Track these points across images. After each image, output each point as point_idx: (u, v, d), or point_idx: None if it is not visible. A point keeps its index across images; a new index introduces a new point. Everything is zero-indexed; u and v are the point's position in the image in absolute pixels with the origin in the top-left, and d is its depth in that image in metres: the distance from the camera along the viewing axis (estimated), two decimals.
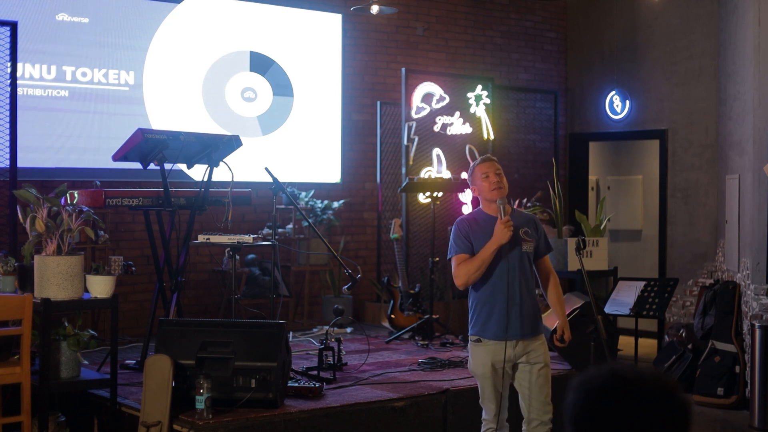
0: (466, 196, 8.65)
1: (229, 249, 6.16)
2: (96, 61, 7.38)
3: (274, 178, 6.06)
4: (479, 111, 8.84)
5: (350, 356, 6.36)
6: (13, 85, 6.29)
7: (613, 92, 9.93)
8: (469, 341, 4.47)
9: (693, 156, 9.28)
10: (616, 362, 1.74)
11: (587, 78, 10.29)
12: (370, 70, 8.97)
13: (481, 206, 4.51)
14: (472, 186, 4.50)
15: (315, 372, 5.67)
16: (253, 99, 8.24)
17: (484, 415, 4.44)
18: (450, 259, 4.46)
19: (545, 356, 4.42)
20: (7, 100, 6.29)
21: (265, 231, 7.51)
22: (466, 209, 8.62)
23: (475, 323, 4.42)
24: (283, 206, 7.71)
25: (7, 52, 6.30)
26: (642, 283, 7.46)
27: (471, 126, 8.77)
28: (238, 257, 6.19)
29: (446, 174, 8.49)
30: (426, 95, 8.47)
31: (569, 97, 10.46)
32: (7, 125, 6.28)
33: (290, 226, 7.93)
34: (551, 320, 6.35)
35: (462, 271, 4.33)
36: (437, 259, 7.37)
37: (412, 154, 8.22)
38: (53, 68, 7.18)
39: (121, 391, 5.10)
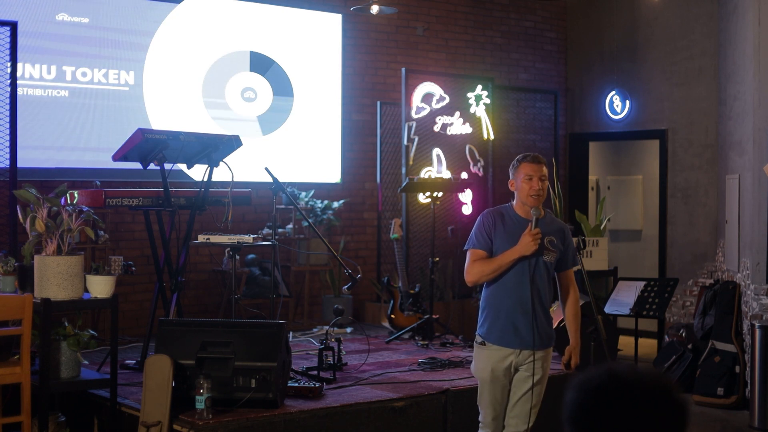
0: (466, 196, 8.66)
1: (229, 249, 6.16)
2: (96, 61, 7.38)
3: (274, 178, 6.06)
4: (479, 111, 8.84)
5: (350, 356, 6.36)
6: (13, 85, 6.29)
7: (613, 92, 9.93)
8: (475, 342, 4.35)
9: (693, 156, 9.28)
10: (614, 362, 1.74)
11: (587, 78, 10.29)
12: (370, 70, 8.97)
13: (513, 203, 4.32)
14: (512, 179, 4.30)
15: (315, 372, 5.68)
16: (253, 99, 8.24)
17: (480, 416, 4.35)
18: (466, 250, 4.30)
19: (544, 372, 4.28)
20: (7, 100, 6.29)
21: (265, 231, 7.51)
22: (466, 209, 8.63)
23: (482, 324, 4.28)
24: (283, 206, 7.71)
25: (7, 52, 6.30)
26: (642, 283, 7.46)
27: (471, 126, 8.77)
28: (238, 257, 6.19)
29: (446, 174, 8.50)
30: (426, 95, 8.47)
31: (569, 97, 10.46)
32: (7, 125, 6.28)
33: (290, 226, 7.94)
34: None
35: (476, 269, 4.20)
36: (437, 259, 7.37)
37: (412, 154, 8.22)
38: (53, 68, 7.18)
39: (121, 391, 5.10)
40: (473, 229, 4.30)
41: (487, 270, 4.17)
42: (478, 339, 4.29)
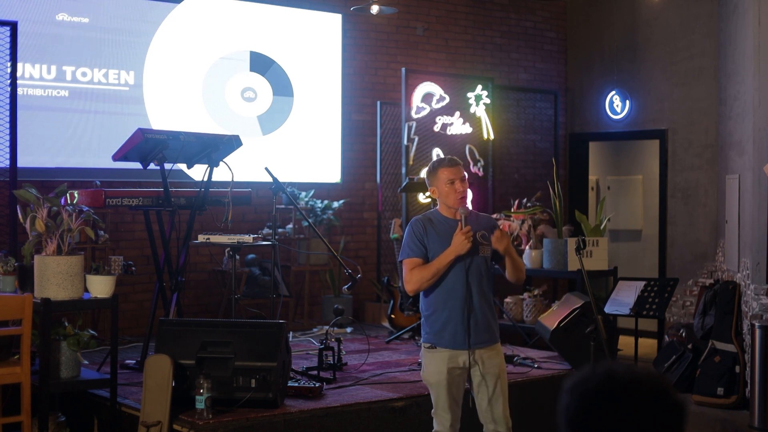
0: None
1: (229, 249, 6.16)
2: (96, 61, 7.38)
3: (274, 178, 6.06)
4: (479, 111, 8.85)
5: (350, 356, 6.36)
6: (13, 85, 6.29)
7: (613, 92, 9.93)
8: (422, 348, 4.30)
9: (693, 156, 9.28)
10: (610, 363, 1.73)
11: (587, 78, 10.29)
12: (370, 70, 8.98)
13: (438, 207, 4.35)
14: (432, 186, 4.31)
15: (315, 372, 5.68)
16: (253, 99, 8.24)
17: (436, 426, 4.24)
18: (401, 262, 4.30)
19: (501, 366, 4.27)
20: (7, 100, 6.29)
21: (265, 231, 7.51)
22: None
23: (429, 330, 4.24)
24: (283, 206, 7.71)
25: (7, 52, 6.30)
26: (642, 283, 7.45)
27: (471, 126, 8.77)
28: (238, 257, 6.19)
29: None
30: (426, 95, 8.48)
31: (569, 97, 10.46)
32: (7, 125, 6.28)
33: (290, 226, 7.94)
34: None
35: (415, 277, 4.17)
36: None
37: (412, 154, 8.22)
38: (53, 68, 7.18)
39: (121, 391, 5.11)
40: (404, 239, 4.30)
41: (427, 275, 4.16)
42: (426, 345, 4.26)
